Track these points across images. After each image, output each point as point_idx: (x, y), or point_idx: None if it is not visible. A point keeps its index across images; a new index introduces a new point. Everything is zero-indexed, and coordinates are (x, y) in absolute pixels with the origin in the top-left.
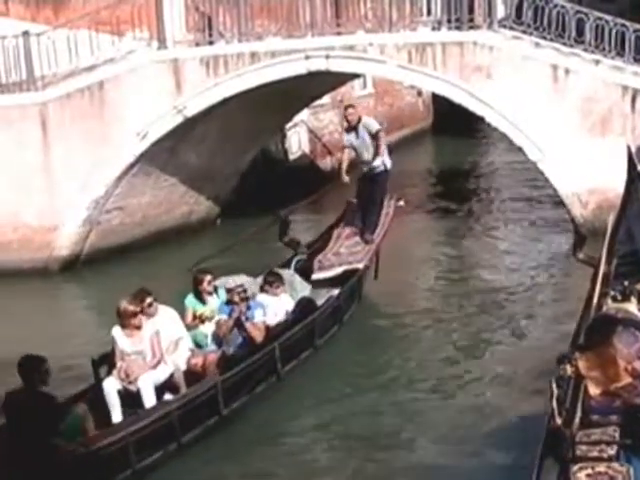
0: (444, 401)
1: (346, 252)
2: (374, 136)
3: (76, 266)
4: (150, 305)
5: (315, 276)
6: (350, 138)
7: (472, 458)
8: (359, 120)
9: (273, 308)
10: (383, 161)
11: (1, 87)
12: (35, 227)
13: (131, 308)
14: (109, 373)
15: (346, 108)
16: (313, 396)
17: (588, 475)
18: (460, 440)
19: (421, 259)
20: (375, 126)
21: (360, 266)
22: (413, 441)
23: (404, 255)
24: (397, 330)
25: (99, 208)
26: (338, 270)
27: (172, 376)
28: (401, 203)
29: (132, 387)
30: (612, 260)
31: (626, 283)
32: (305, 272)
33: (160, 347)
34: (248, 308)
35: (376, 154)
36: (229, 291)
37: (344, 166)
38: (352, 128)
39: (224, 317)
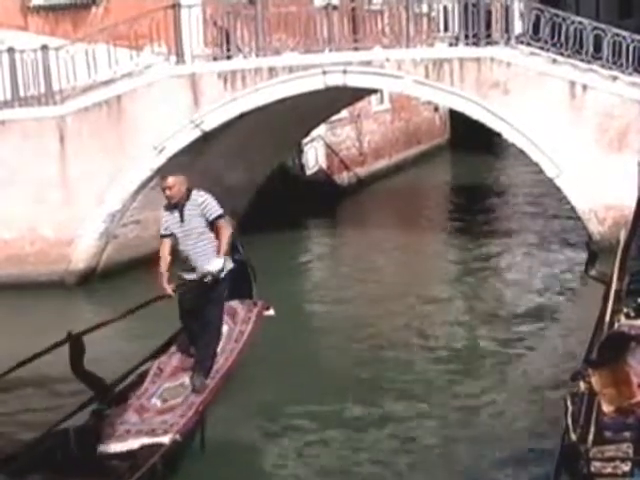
0: (454, 421)
1: (158, 407)
2: (211, 224)
3: (93, 279)
4: None
5: (102, 449)
6: (169, 222)
7: (487, 476)
8: (187, 196)
9: None
10: (223, 264)
11: (20, 100)
12: (52, 240)
13: None
14: None
15: (163, 178)
16: None
17: None
18: (475, 458)
19: (430, 283)
20: (216, 209)
21: (165, 440)
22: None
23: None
24: None
25: (116, 221)
26: (133, 444)
27: None
28: (271, 312)
29: None
30: (624, 277)
31: (639, 300)
32: (95, 436)
33: None
34: None
35: (212, 253)
36: None
37: (163, 268)
38: (173, 207)
39: None
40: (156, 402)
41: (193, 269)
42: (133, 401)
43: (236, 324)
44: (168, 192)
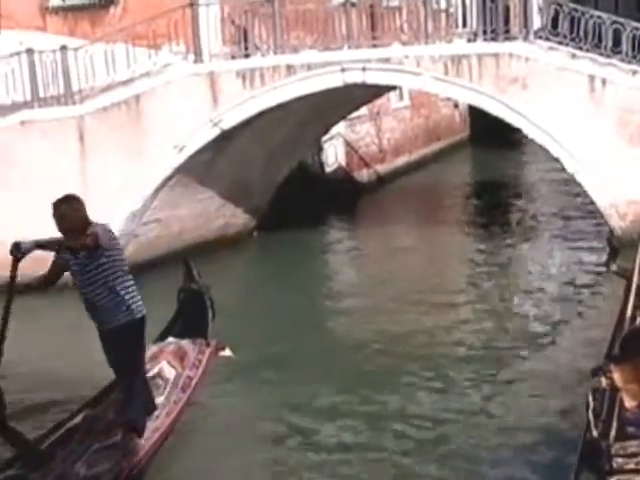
0: (478, 414)
1: (81, 476)
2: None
3: None
4: None
5: None
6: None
7: (509, 472)
8: (84, 226)
9: None
10: (129, 305)
11: (39, 101)
12: None
13: None
14: None
15: (57, 205)
16: None
17: None
18: (494, 453)
19: (453, 277)
20: (109, 232)
21: None
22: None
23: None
24: None
25: (136, 221)
26: None
27: None
28: (227, 353)
29: None
30: None
31: None
32: None
33: None
34: None
35: (115, 292)
36: None
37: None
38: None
39: None
40: (80, 469)
41: (98, 314)
42: (56, 465)
43: (184, 368)
44: (61, 221)
